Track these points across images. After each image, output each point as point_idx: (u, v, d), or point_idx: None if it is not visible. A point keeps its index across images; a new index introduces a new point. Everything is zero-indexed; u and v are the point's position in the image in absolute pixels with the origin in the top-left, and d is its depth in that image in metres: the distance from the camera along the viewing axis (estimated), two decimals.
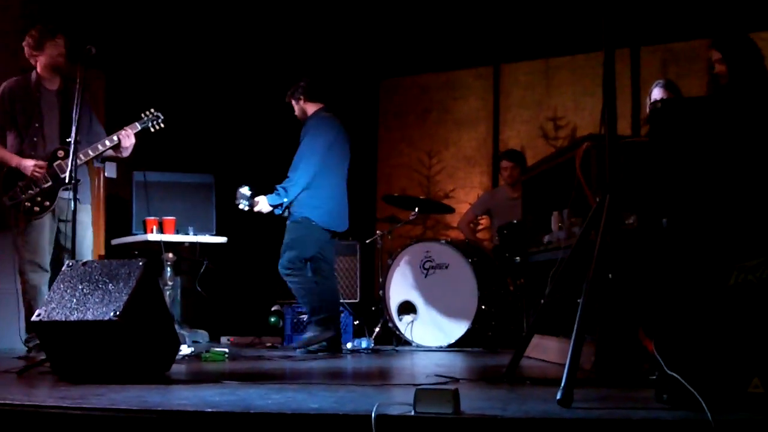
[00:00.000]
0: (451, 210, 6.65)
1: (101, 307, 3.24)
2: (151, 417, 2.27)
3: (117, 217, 6.41)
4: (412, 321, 5.78)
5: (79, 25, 5.70)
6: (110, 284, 3.33)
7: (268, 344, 6.09)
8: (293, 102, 5.50)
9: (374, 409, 2.08)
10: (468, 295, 5.60)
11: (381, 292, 5.96)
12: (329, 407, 2.31)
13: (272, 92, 5.76)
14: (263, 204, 5.22)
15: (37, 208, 4.57)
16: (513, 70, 7.43)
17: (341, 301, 6.24)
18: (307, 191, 5.25)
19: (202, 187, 6.05)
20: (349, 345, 5.59)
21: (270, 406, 2.35)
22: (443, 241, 5.97)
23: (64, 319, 3.26)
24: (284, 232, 5.33)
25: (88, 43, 4.18)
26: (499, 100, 7.45)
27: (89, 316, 3.23)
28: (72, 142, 4.07)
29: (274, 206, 5.24)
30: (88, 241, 4.73)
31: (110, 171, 6.50)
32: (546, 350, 4.21)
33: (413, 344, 5.75)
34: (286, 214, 5.31)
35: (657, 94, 4.77)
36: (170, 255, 5.62)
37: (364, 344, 5.58)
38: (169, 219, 5.60)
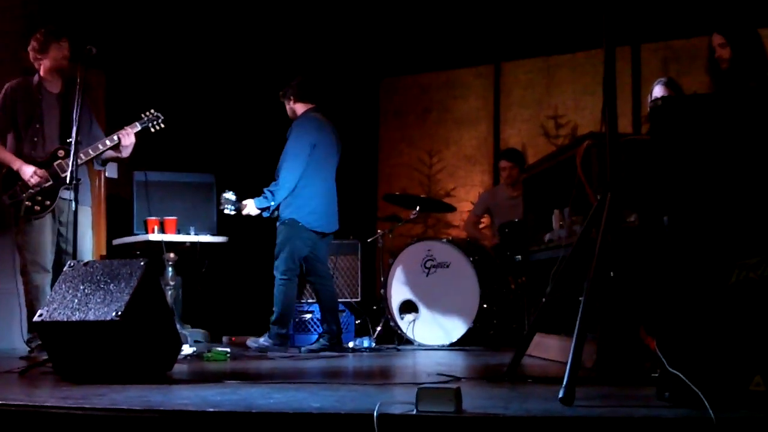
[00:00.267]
0: (452, 209, 6.65)
1: (103, 307, 3.24)
2: (152, 417, 2.27)
3: (118, 217, 6.41)
4: (414, 320, 5.78)
5: (80, 25, 5.70)
6: (112, 284, 3.33)
7: None
8: (284, 102, 5.53)
9: (376, 408, 2.08)
10: (469, 294, 5.60)
11: (382, 291, 5.96)
12: (331, 406, 2.31)
13: (273, 92, 5.76)
14: (251, 207, 5.25)
15: (37, 207, 4.58)
16: (513, 68, 7.43)
17: (343, 300, 6.25)
18: (292, 192, 5.27)
19: (203, 186, 6.04)
20: (350, 344, 5.60)
21: (272, 406, 2.35)
22: (444, 240, 5.97)
23: (65, 320, 3.26)
24: None
25: (89, 43, 4.18)
26: (500, 98, 7.44)
27: (91, 317, 3.23)
28: (72, 141, 4.08)
29: (262, 209, 5.28)
30: (88, 244, 4.74)
31: (111, 171, 6.50)
32: (547, 349, 4.21)
33: (415, 343, 5.75)
34: (275, 215, 5.33)
35: (658, 92, 4.77)
36: (171, 255, 5.62)
37: (365, 343, 5.58)
38: (171, 219, 5.60)
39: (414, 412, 2.12)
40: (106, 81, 6.61)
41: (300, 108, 5.48)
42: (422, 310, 5.79)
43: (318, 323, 5.96)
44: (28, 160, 4.61)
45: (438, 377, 3.33)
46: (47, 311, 3.32)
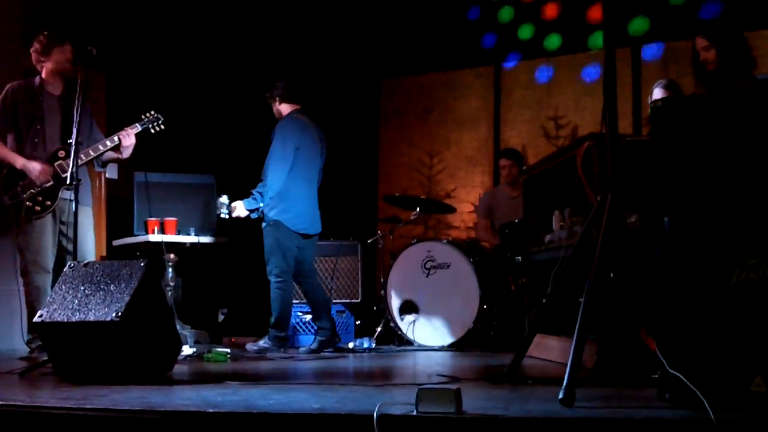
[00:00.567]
0: (452, 210, 6.65)
1: (103, 307, 3.24)
2: (153, 417, 2.27)
3: (118, 218, 6.42)
4: (414, 321, 5.77)
5: (80, 26, 5.71)
6: (112, 285, 3.33)
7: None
8: (270, 103, 5.57)
9: (376, 409, 2.08)
10: (469, 295, 5.60)
11: (382, 291, 5.96)
12: (331, 407, 2.31)
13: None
14: (240, 209, 5.28)
15: (38, 208, 4.58)
16: (513, 69, 7.43)
17: (344, 301, 6.25)
18: (277, 194, 5.29)
19: (204, 187, 6.05)
20: (350, 345, 5.60)
21: (272, 407, 2.35)
22: (445, 241, 5.97)
23: (66, 320, 3.26)
24: None
25: (89, 43, 4.19)
26: (500, 99, 7.45)
27: (91, 317, 3.23)
28: (73, 142, 4.09)
29: (251, 210, 5.31)
30: (89, 244, 4.74)
31: (111, 172, 6.51)
32: (548, 349, 4.21)
33: (415, 344, 5.75)
34: (262, 215, 5.36)
35: (658, 93, 4.77)
36: (172, 255, 5.63)
37: (365, 344, 5.59)
38: (171, 220, 5.61)
39: (414, 413, 2.12)
40: (106, 82, 6.61)
41: (285, 109, 5.51)
42: (422, 310, 5.79)
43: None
44: (29, 159, 4.61)
45: (438, 378, 3.33)
46: (47, 312, 3.32)
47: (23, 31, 5.64)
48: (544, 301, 3.29)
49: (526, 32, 7.22)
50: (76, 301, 3.32)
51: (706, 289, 2.33)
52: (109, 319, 3.19)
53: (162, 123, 4.87)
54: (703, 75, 4.17)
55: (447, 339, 5.65)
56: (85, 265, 3.50)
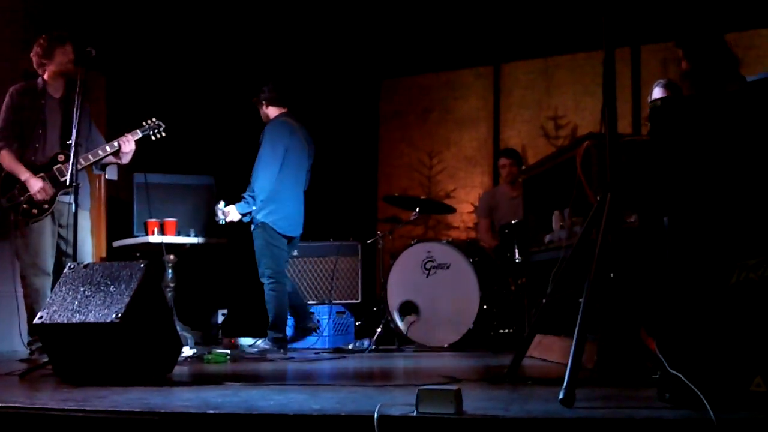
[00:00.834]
0: (452, 210, 6.65)
1: (103, 309, 3.24)
2: (153, 419, 2.27)
3: (118, 219, 6.41)
4: (414, 321, 5.77)
5: (80, 28, 5.71)
6: (112, 286, 3.33)
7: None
8: (258, 107, 5.60)
9: (376, 410, 2.08)
10: (469, 295, 5.60)
11: (382, 292, 5.96)
12: (331, 408, 2.31)
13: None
14: (233, 213, 5.31)
15: (35, 211, 4.57)
16: (513, 69, 7.43)
17: (343, 301, 6.25)
18: (265, 197, 5.31)
19: (203, 189, 6.05)
20: (350, 345, 5.60)
21: (272, 407, 2.35)
22: (444, 241, 5.97)
23: (66, 322, 3.26)
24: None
25: (89, 45, 4.19)
26: (500, 99, 7.45)
27: (91, 319, 3.23)
28: (72, 145, 4.09)
29: (244, 214, 5.35)
30: (87, 247, 4.74)
31: (111, 173, 6.51)
32: (548, 350, 4.21)
33: (415, 344, 5.75)
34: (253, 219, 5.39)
35: (658, 93, 4.77)
36: (171, 257, 5.63)
37: (365, 345, 5.59)
38: (171, 221, 5.61)
39: (414, 414, 2.12)
40: (106, 84, 6.61)
41: (273, 112, 5.56)
42: (422, 311, 5.79)
43: (317, 324, 5.98)
44: (29, 165, 4.61)
45: (438, 379, 3.33)
46: (47, 313, 3.32)
47: (23, 33, 5.64)
48: (543, 301, 3.29)
49: (525, 32, 7.22)
50: (76, 303, 3.32)
51: (706, 289, 2.32)
52: (109, 320, 3.19)
53: (163, 130, 4.88)
54: (688, 79, 4.17)
55: (447, 339, 5.65)
56: (85, 266, 3.50)
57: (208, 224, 5.89)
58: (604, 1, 2.86)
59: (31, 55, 4.75)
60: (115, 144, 4.68)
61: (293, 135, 5.47)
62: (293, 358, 4.97)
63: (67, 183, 4.16)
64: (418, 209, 6.19)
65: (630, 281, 3.11)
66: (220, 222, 5.31)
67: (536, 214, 4.78)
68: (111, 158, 4.77)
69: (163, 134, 4.88)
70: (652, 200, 2.56)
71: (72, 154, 4.07)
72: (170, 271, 5.62)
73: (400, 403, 2.28)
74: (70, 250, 4.24)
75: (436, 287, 5.77)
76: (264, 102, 5.55)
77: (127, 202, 6.15)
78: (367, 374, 3.95)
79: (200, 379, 3.55)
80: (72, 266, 3.52)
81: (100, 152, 4.66)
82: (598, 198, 2.84)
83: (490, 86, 7.50)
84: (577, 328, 2.54)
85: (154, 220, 5.60)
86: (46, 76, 4.74)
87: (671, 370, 2.27)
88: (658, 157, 2.45)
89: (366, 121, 7.76)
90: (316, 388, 2.97)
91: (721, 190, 2.37)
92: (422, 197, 6.45)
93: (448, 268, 5.78)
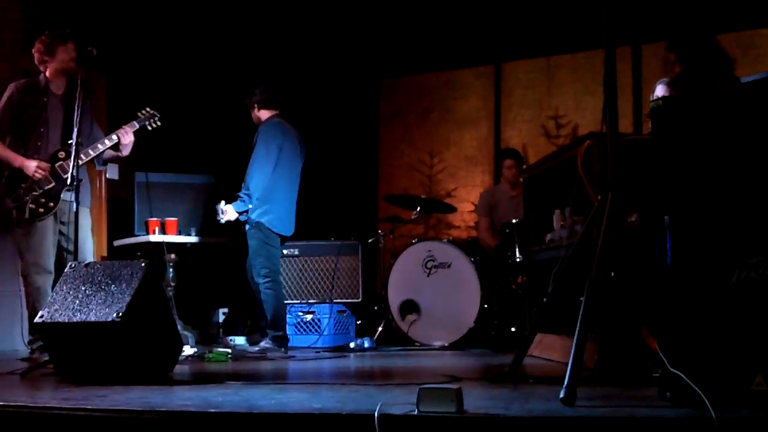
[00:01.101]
0: (453, 209, 6.65)
1: (104, 308, 3.24)
2: (154, 418, 2.27)
3: (119, 219, 6.41)
4: (415, 320, 5.77)
5: (80, 27, 5.71)
6: (113, 285, 3.33)
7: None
8: (250, 109, 5.64)
9: (377, 409, 2.08)
10: (470, 294, 5.60)
11: (383, 291, 5.96)
12: (332, 407, 2.31)
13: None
14: (231, 212, 5.30)
15: (41, 210, 4.58)
16: (513, 68, 7.43)
17: (344, 300, 6.25)
18: (259, 197, 5.32)
19: (204, 188, 6.05)
20: (351, 344, 5.60)
21: (273, 407, 2.35)
22: (445, 240, 5.97)
23: (67, 321, 3.26)
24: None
25: (89, 44, 4.19)
26: (500, 99, 7.45)
27: (92, 318, 3.23)
28: (73, 142, 4.09)
29: (240, 212, 5.35)
30: (88, 244, 4.74)
31: (112, 172, 6.51)
32: (549, 349, 4.21)
33: (416, 343, 5.75)
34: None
35: (661, 91, 4.76)
36: (172, 256, 5.63)
37: (366, 344, 5.58)
38: (172, 220, 5.61)
39: (415, 413, 2.12)
40: (106, 82, 6.61)
41: (264, 114, 5.59)
42: (423, 310, 5.79)
43: (318, 323, 5.98)
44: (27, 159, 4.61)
45: (439, 377, 3.33)
46: (48, 312, 3.32)
47: (24, 32, 5.64)
48: (544, 300, 3.28)
49: (525, 31, 7.21)
50: (77, 302, 3.32)
51: (707, 288, 2.32)
52: (110, 319, 3.19)
53: (159, 120, 4.88)
54: (681, 82, 4.16)
55: (448, 338, 5.65)
56: (86, 265, 3.50)
57: (209, 223, 5.89)
58: (605, 0, 2.86)
59: (33, 51, 4.75)
60: (114, 137, 4.69)
61: (286, 135, 5.51)
62: (294, 357, 4.98)
63: (69, 181, 4.16)
64: (418, 208, 6.19)
65: (631, 280, 3.10)
66: (221, 221, 5.33)
67: (537, 213, 4.78)
68: (112, 152, 4.78)
69: (159, 124, 4.89)
70: (653, 199, 2.55)
71: (73, 153, 4.08)
72: (171, 270, 5.62)
73: (401, 402, 2.28)
74: (71, 247, 4.25)
75: (436, 286, 5.77)
76: (256, 104, 5.58)
77: (128, 201, 6.15)
78: (367, 373, 3.95)
79: (201, 378, 3.56)
80: (73, 265, 3.52)
81: (99, 146, 4.66)
82: (599, 197, 2.84)
83: (490, 86, 7.50)
84: (578, 327, 2.54)
85: (155, 219, 5.60)
86: (47, 74, 4.74)
87: (672, 369, 2.27)
88: (659, 157, 2.45)
89: (366, 121, 7.76)
90: (317, 387, 2.97)
91: (722, 189, 2.37)
92: (423, 196, 6.45)
93: (448, 267, 5.78)
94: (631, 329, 3.24)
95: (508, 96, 7.43)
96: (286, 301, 6.19)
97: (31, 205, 4.56)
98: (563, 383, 2.35)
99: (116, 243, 5.93)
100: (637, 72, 6.72)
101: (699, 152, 2.41)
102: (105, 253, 6.31)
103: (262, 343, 5.31)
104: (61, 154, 4.62)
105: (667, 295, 2.36)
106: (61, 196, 4.61)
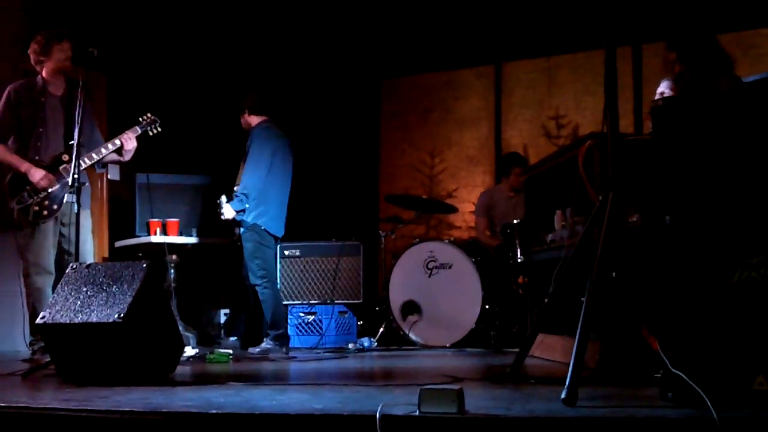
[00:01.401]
0: (454, 209, 6.65)
1: (105, 309, 3.24)
2: (155, 419, 2.27)
3: (120, 220, 6.42)
4: (416, 321, 5.77)
5: (80, 27, 5.71)
6: (114, 286, 3.33)
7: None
8: (240, 115, 5.68)
9: (379, 410, 2.08)
10: (472, 295, 5.60)
11: (384, 292, 5.96)
12: (334, 408, 2.31)
13: (273, 93, 5.79)
14: (228, 211, 5.32)
15: (45, 213, 4.59)
16: (514, 68, 7.43)
17: (346, 301, 6.25)
18: (255, 198, 5.34)
19: (205, 188, 6.06)
20: (351, 345, 5.60)
21: (274, 407, 2.35)
22: (447, 241, 5.97)
23: (68, 322, 3.26)
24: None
25: (89, 45, 4.20)
26: (501, 99, 7.45)
27: (93, 319, 3.23)
28: (75, 144, 4.10)
29: (238, 211, 5.38)
30: (88, 245, 4.74)
31: (113, 173, 6.50)
32: (550, 349, 4.21)
33: (417, 344, 5.75)
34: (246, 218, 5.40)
35: (664, 88, 4.75)
36: (174, 257, 5.63)
37: (367, 344, 5.59)
38: (173, 221, 5.61)
39: (417, 413, 2.12)
40: (107, 83, 6.61)
41: (254, 120, 5.64)
42: (425, 311, 5.79)
43: (319, 324, 5.98)
44: (33, 164, 4.61)
45: (440, 378, 3.33)
46: (50, 313, 3.32)
47: (23, 33, 5.64)
48: (546, 300, 3.28)
49: (526, 31, 7.21)
50: (79, 303, 3.32)
51: (708, 287, 2.32)
52: (111, 320, 3.19)
53: (159, 125, 4.89)
54: (682, 81, 4.16)
55: (449, 339, 5.65)
56: (88, 266, 3.50)
57: (211, 224, 5.89)
58: (605, 0, 2.85)
59: (29, 52, 4.76)
60: (117, 142, 4.70)
61: (279, 139, 5.59)
62: (295, 357, 4.98)
63: (71, 183, 4.16)
64: (420, 209, 6.19)
65: (632, 280, 3.11)
66: (222, 215, 5.32)
67: (538, 214, 4.78)
68: (113, 156, 4.78)
69: (159, 129, 4.90)
70: (654, 199, 2.55)
71: (75, 155, 4.08)
72: (172, 271, 5.62)
73: (402, 402, 2.28)
74: (71, 248, 4.26)
75: (438, 287, 5.77)
76: (246, 110, 5.62)
77: (129, 202, 6.15)
78: (369, 374, 3.95)
79: (202, 378, 3.56)
80: (74, 266, 3.53)
81: (103, 150, 4.67)
82: (600, 197, 2.84)
83: (491, 86, 7.50)
84: (579, 328, 2.54)
85: (156, 220, 5.61)
86: (44, 74, 4.75)
87: (673, 370, 2.27)
88: (659, 157, 2.45)
89: (367, 122, 7.76)
90: (319, 388, 2.97)
91: (723, 188, 2.37)
92: (424, 197, 6.45)
93: (450, 267, 5.78)
94: (633, 329, 3.24)
95: (508, 96, 7.43)
96: (287, 302, 6.20)
97: (35, 208, 4.57)
98: (565, 384, 2.35)
99: (117, 244, 5.94)
100: (638, 72, 6.72)
101: (700, 152, 2.41)
102: (106, 254, 6.32)
103: (264, 344, 5.32)
104: (65, 157, 4.63)
105: (669, 295, 2.36)
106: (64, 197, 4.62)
